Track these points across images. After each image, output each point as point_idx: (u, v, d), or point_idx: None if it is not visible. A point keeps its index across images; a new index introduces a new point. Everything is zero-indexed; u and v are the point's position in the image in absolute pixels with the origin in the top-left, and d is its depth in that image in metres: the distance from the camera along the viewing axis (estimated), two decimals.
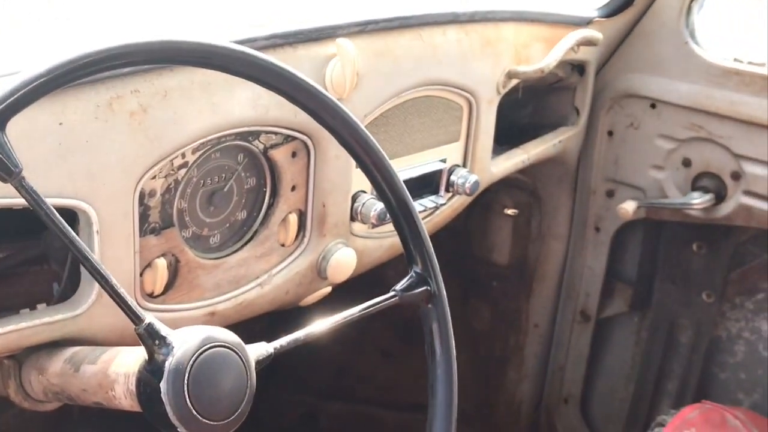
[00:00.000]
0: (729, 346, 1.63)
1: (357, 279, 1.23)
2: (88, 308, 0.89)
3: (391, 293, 0.88)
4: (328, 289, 1.21)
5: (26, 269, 0.94)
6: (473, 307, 1.97)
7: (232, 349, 0.70)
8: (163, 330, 0.68)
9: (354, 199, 1.17)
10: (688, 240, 1.60)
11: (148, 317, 0.68)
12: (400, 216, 0.88)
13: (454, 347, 0.89)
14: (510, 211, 1.81)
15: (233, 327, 0.76)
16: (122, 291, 0.67)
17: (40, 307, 0.90)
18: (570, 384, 1.86)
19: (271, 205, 1.08)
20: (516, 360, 1.92)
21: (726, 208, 1.48)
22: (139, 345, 0.70)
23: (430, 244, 0.90)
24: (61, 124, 0.82)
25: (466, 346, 2.00)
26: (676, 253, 1.64)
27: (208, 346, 0.68)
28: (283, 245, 1.11)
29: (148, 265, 0.95)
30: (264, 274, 1.09)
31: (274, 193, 1.08)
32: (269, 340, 0.79)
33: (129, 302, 0.67)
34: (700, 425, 1.32)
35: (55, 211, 0.66)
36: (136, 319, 0.68)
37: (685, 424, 1.31)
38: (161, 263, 0.95)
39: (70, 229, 0.66)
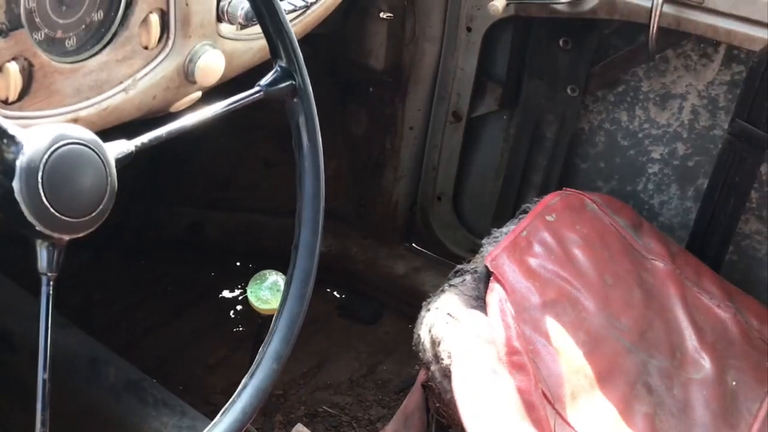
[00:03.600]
0: (590, 137, 1.73)
1: (228, 84, 1.21)
2: None
3: (256, 88, 0.87)
4: (199, 94, 1.18)
5: None
6: (351, 113, 1.99)
7: (88, 146, 0.68)
8: (12, 129, 0.65)
9: None
10: (555, 36, 1.64)
11: None
12: (263, 9, 0.86)
13: (320, 140, 0.91)
14: (385, 15, 1.79)
15: (102, 135, 0.74)
16: None
17: None
18: (443, 182, 1.95)
19: (129, 4, 1.02)
20: (392, 162, 1.98)
21: (590, 2, 1.51)
22: None
23: (295, 38, 0.89)
24: None
25: (345, 150, 2.04)
26: (543, 49, 1.68)
27: (61, 143, 0.66)
28: (146, 48, 1.06)
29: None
30: (128, 78, 1.05)
31: None
32: None
33: None
34: (560, 210, 1.42)
35: None
36: None
37: (547, 210, 1.40)
38: (12, 67, 0.90)
39: None
